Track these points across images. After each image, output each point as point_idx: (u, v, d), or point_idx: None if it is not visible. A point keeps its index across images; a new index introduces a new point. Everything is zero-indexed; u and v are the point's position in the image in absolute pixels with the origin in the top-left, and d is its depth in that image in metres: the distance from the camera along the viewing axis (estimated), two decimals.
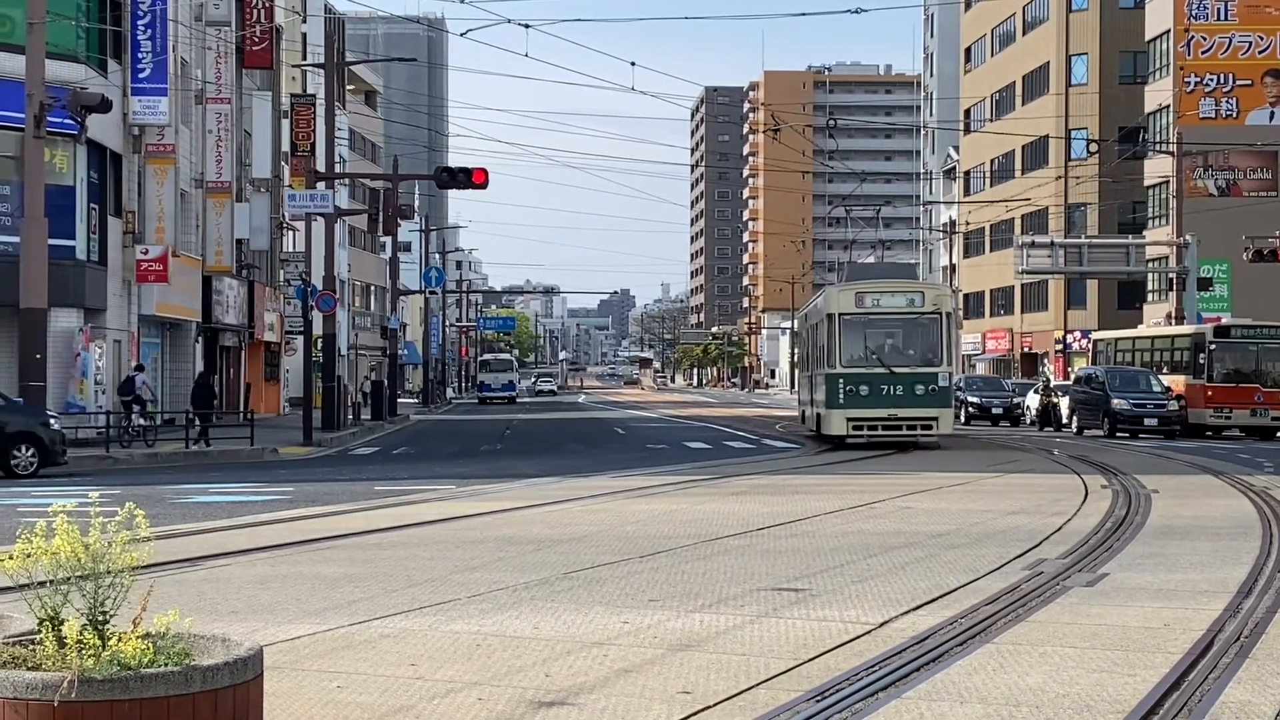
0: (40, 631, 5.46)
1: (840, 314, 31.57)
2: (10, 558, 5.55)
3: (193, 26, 43.83)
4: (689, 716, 6.67)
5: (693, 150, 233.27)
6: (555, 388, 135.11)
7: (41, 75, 28.92)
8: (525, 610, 9.57)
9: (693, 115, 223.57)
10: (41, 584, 5.53)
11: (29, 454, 25.82)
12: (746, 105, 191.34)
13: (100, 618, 5.52)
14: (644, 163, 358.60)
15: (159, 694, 5.22)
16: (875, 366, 31.31)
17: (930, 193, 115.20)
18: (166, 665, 5.37)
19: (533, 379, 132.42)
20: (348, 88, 68.87)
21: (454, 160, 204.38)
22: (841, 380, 31.35)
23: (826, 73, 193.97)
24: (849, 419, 31.27)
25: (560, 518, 16.45)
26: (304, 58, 63.58)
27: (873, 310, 31.79)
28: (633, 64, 45.07)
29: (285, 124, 55.27)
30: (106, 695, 5.16)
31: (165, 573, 10.89)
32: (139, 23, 38.14)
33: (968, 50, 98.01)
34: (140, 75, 38.35)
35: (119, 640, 5.39)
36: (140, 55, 38.28)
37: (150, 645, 5.45)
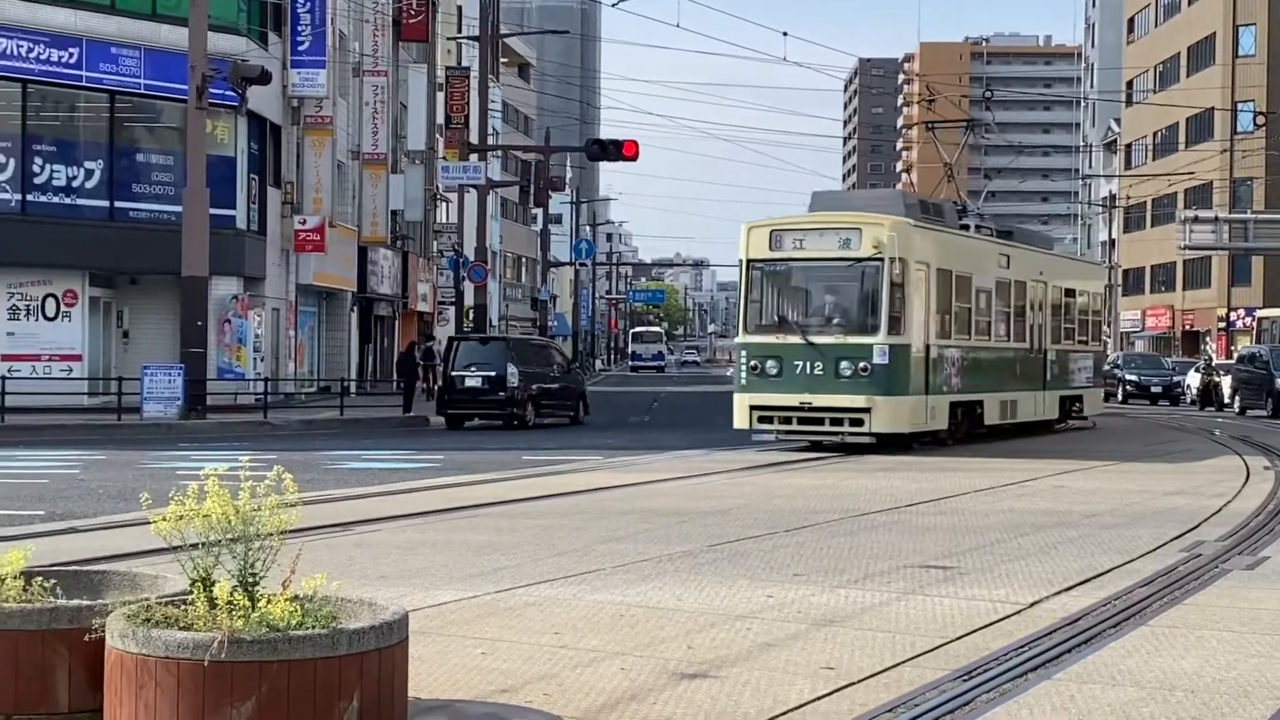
0: (192, 592, 5.56)
1: (750, 260, 22.91)
2: (164, 519, 5.66)
3: (351, 0, 44.43)
4: (832, 692, 6.60)
5: (845, 122, 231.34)
6: (700, 360, 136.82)
7: (204, 48, 29.54)
8: (669, 581, 9.56)
9: (846, 87, 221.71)
10: (193, 546, 5.63)
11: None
12: (901, 77, 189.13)
13: (250, 579, 5.61)
14: (795, 135, 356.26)
15: (306, 656, 5.28)
16: (789, 334, 22.48)
17: (1090, 166, 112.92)
18: (314, 628, 5.43)
19: (680, 351, 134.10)
20: (501, 60, 69.40)
21: (605, 132, 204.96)
22: (745, 354, 22.81)
23: (984, 44, 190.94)
24: (753, 407, 22.66)
25: (706, 490, 16.42)
26: (459, 30, 64.15)
27: (793, 256, 22.82)
28: (785, 34, 44.88)
29: (440, 96, 55.87)
30: (255, 656, 5.24)
31: (317, 537, 11.07)
32: None
33: (1131, 21, 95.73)
34: (299, 48, 39.00)
35: (268, 602, 5.47)
36: (299, 28, 38.92)
37: (298, 607, 5.52)
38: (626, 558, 10.68)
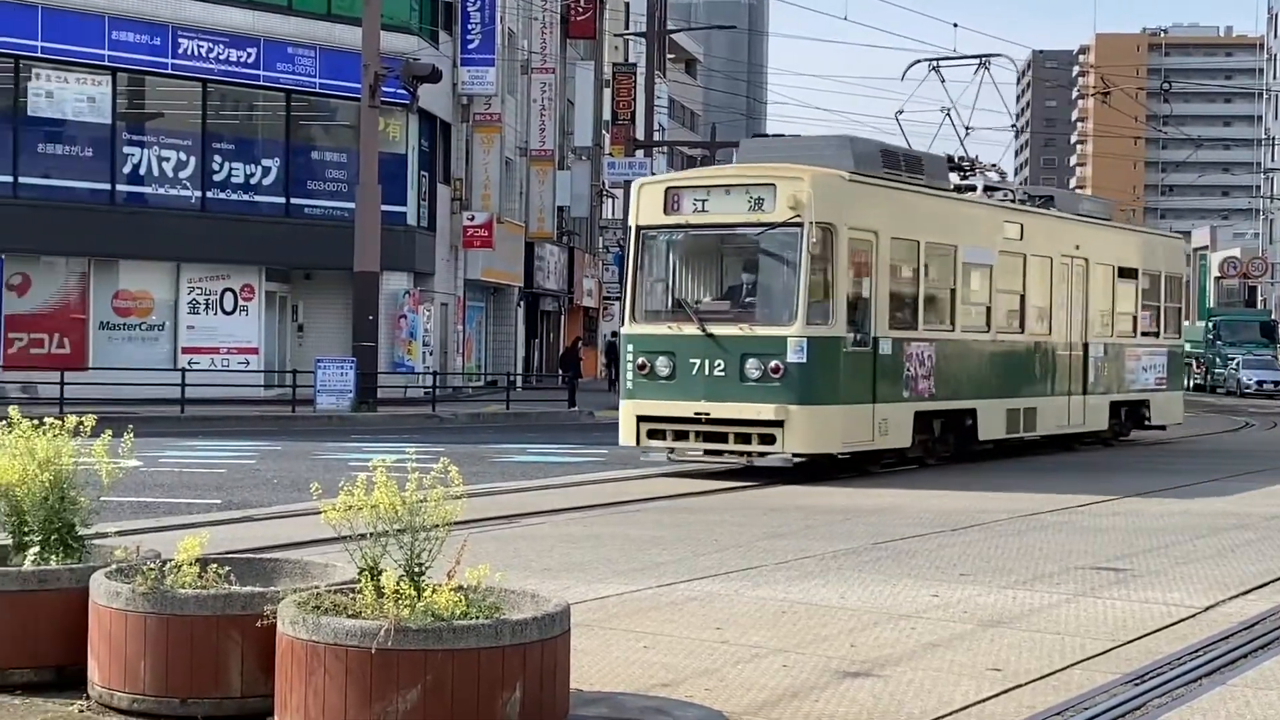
0: (360, 581, 5.66)
1: (641, 228, 17.55)
2: (333, 509, 5.77)
3: None
4: (999, 694, 6.49)
5: (1018, 115, 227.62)
6: None
7: (376, 47, 30.08)
8: (831, 579, 9.49)
9: (1018, 80, 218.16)
10: (361, 536, 5.73)
11: None
12: (1076, 69, 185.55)
13: (416, 569, 5.70)
14: (965, 129, 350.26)
15: (470, 646, 5.35)
16: (685, 324, 17.01)
17: (1272, 160, 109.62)
18: (478, 618, 5.50)
19: None
20: (668, 56, 69.57)
21: (771, 127, 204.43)
22: (631, 348, 17.44)
23: (1162, 35, 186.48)
24: (640, 417, 17.13)
25: (865, 489, 16.26)
26: (626, 27, 64.43)
27: (692, 221, 17.32)
28: (955, 26, 44.16)
29: (606, 93, 56.18)
30: (420, 645, 5.32)
31: (483, 529, 11.20)
32: None
33: None
34: (469, 46, 39.51)
35: (433, 592, 5.54)
36: (469, 26, 39.43)
37: (462, 598, 5.59)
38: (789, 554, 10.63)
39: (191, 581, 6.07)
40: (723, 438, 16.81)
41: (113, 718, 6.02)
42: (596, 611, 8.18)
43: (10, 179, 30.75)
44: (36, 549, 6.70)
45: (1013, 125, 33.00)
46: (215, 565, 6.22)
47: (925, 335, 18.47)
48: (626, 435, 17.34)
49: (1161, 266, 25.34)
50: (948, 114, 23.55)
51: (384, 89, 30.38)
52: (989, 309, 20.07)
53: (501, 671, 5.39)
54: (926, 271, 18.63)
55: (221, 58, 33.04)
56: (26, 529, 6.77)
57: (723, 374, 16.59)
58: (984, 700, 6.38)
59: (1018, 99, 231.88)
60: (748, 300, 17.11)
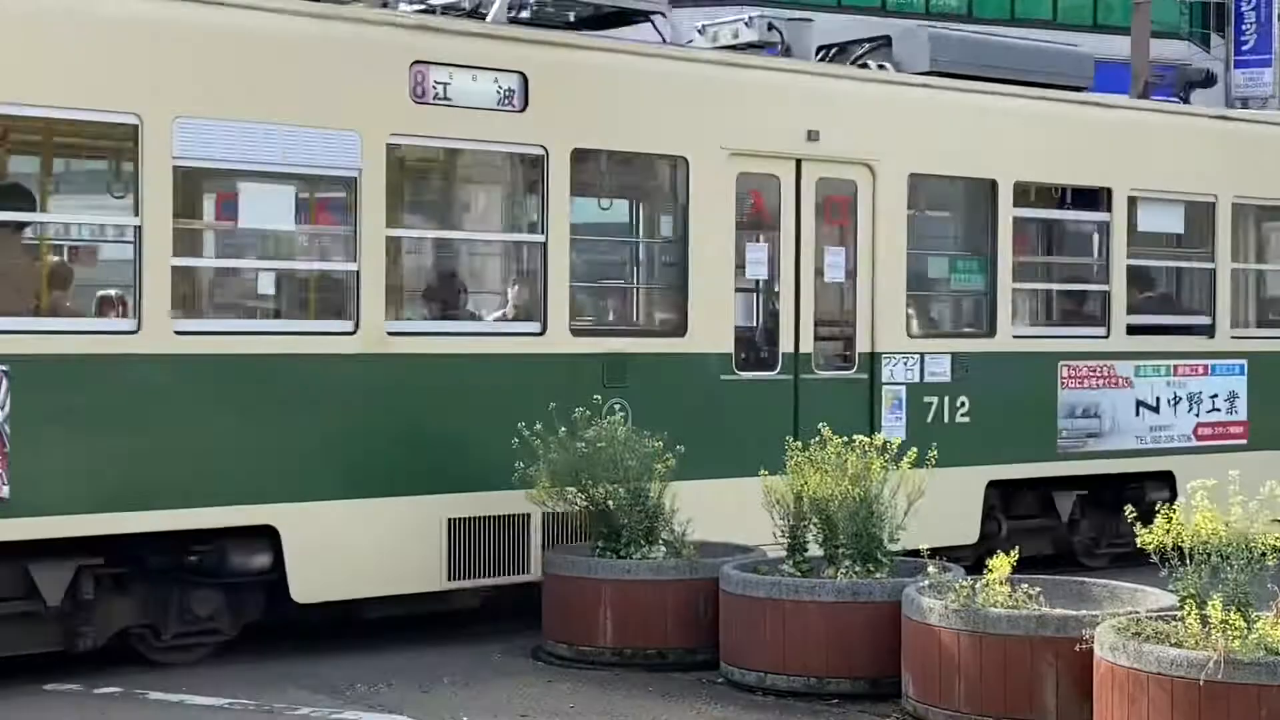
0: (1181, 608, 5.42)
1: None
2: (1148, 533, 5.55)
3: None
4: None
5: None
6: None
7: (1146, 55, 29.17)
8: None
9: None
10: (1181, 561, 5.49)
11: None
12: None
13: (1242, 599, 5.39)
14: None
15: None
16: None
17: None
18: None
19: None
20: None
21: None
22: None
23: None
24: None
25: None
26: None
27: None
28: None
29: None
30: (1252, 679, 5.03)
31: None
32: None
33: None
34: (1243, 47, 37.54)
35: (1268, 624, 5.22)
36: (1244, 27, 37.46)
37: None
38: None
39: (1003, 600, 6.06)
40: None
41: None
42: None
43: None
44: (848, 562, 6.94)
45: None
46: (1026, 585, 6.18)
47: None
48: None
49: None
50: None
51: (1154, 96, 29.50)
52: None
53: None
54: None
55: None
56: (837, 543, 7.03)
57: None
58: None
59: None
60: None
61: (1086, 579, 7.03)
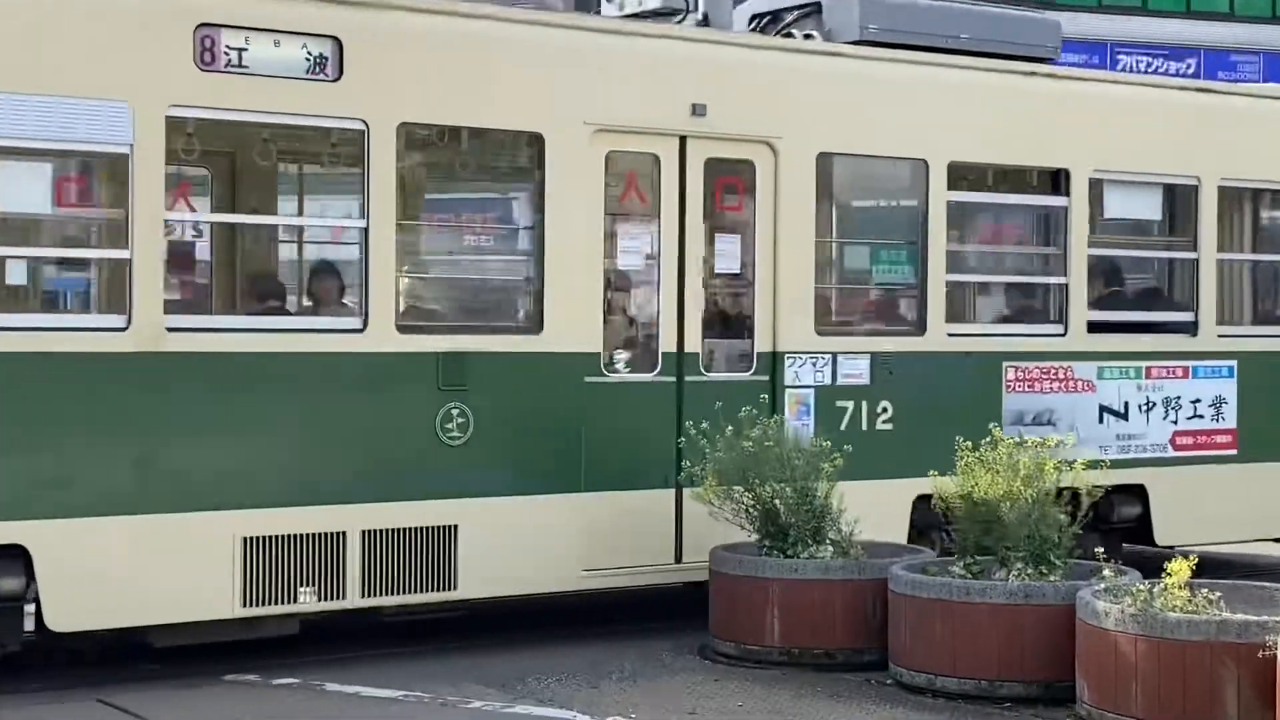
0: None
1: None
2: None
3: None
4: None
5: None
6: None
7: None
8: None
9: None
10: None
11: None
12: None
13: None
14: None
15: None
16: None
17: None
18: None
19: None
20: None
21: None
22: None
23: None
24: None
25: None
26: None
27: None
28: None
29: None
30: None
31: None
32: None
33: None
34: None
35: None
36: None
37: None
38: None
39: (1182, 605, 5.93)
40: None
41: None
42: None
43: None
44: (1020, 564, 6.84)
45: None
46: (1206, 590, 6.03)
47: None
48: None
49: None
50: None
51: None
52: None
53: None
54: None
55: (1160, 70, 32.61)
56: (1009, 543, 6.92)
57: None
58: None
59: None
60: None
61: (1269, 584, 6.84)
